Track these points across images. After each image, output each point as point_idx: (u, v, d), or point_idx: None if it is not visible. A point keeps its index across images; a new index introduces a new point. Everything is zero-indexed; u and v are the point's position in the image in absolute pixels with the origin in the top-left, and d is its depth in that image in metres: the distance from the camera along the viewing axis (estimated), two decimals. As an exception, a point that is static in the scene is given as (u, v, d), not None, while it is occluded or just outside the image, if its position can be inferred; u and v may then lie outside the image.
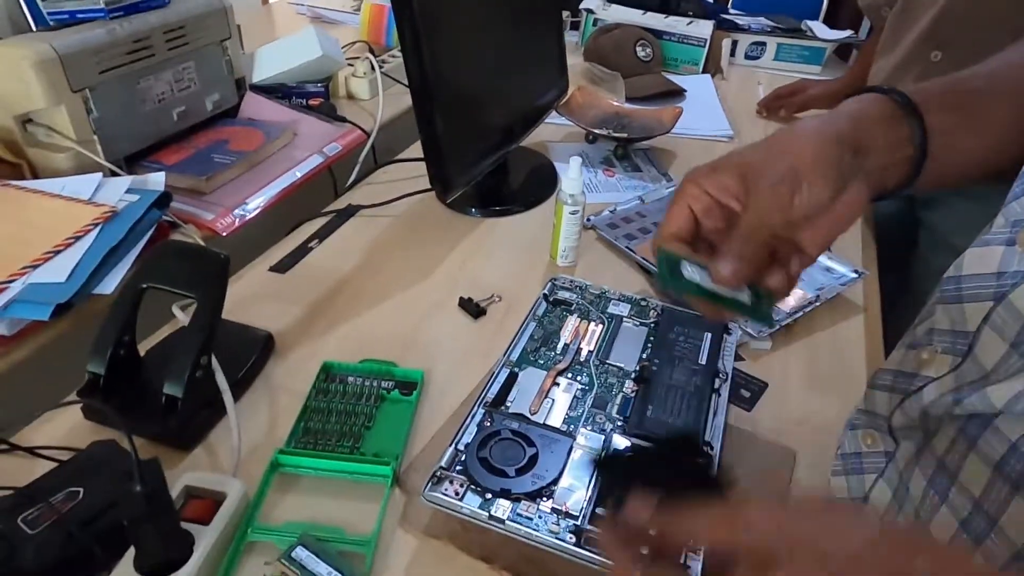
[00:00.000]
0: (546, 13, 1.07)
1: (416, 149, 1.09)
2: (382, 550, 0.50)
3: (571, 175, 0.78)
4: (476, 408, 0.55)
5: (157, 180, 0.85)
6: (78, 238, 0.73)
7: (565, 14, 1.64)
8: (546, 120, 1.09)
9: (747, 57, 1.60)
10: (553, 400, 0.57)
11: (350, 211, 0.94)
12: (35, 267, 0.70)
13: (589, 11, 1.62)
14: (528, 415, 0.55)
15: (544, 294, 0.69)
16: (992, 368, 0.33)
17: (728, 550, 0.32)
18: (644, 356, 0.62)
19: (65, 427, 0.59)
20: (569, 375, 0.59)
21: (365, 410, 0.61)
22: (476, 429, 0.53)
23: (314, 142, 1.07)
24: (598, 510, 0.47)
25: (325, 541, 0.49)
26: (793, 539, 0.29)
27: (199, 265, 0.60)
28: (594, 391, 0.58)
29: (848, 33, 1.60)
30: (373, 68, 1.27)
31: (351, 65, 1.30)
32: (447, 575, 0.49)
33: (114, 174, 0.87)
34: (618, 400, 0.57)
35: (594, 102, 1.20)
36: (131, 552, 0.45)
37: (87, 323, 0.69)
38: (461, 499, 0.47)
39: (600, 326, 0.65)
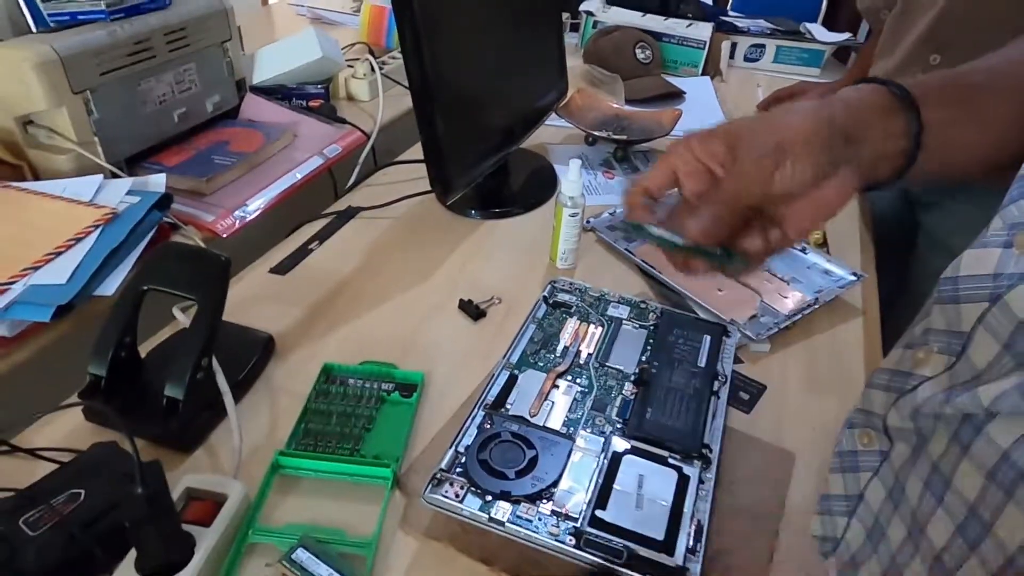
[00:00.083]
0: (546, 15, 1.08)
1: (416, 151, 1.09)
2: (382, 552, 0.50)
3: (571, 177, 0.78)
4: (476, 410, 0.55)
5: (158, 182, 0.85)
6: (79, 240, 0.73)
7: (565, 16, 1.65)
8: (546, 122, 1.10)
9: (746, 59, 1.61)
10: (553, 402, 0.57)
11: (350, 213, 0.94)
12: (36, 269, 0.70)
13: (589, 13, 1.62)
14: (528, 417, 0.55)
15: (544, 296, 0.69)
16: (984, 368, 0.33)
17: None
18: (643, 359, 0.62)
19: (66, 429, 0.59)
20: (569, 377, 0.60)
21: (365, 412, 0.61)
22: (476, 431, 0.53)
23: (314, 143, 1.07)
24: (597, 512, 0.47)
25: (326, 543, 0.49)
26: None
27: (200, 267, 0.60)
28: (593, 393, 0.58)
29: (847, 36, 1.60)
30: (373, 69, 1.27)
31: (351, 66, 1.30)
32: (447, 577, 0.49)
33: (115, 176, 0.87)
34: (617, 402, 0.57)
35: (594, 104, 1.20)
36: (132, 554, 0.45)
37: (88, 325, 0.69)
38: (461, 501, 0.48)
39: (600, 328, 0.65)
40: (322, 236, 0.89)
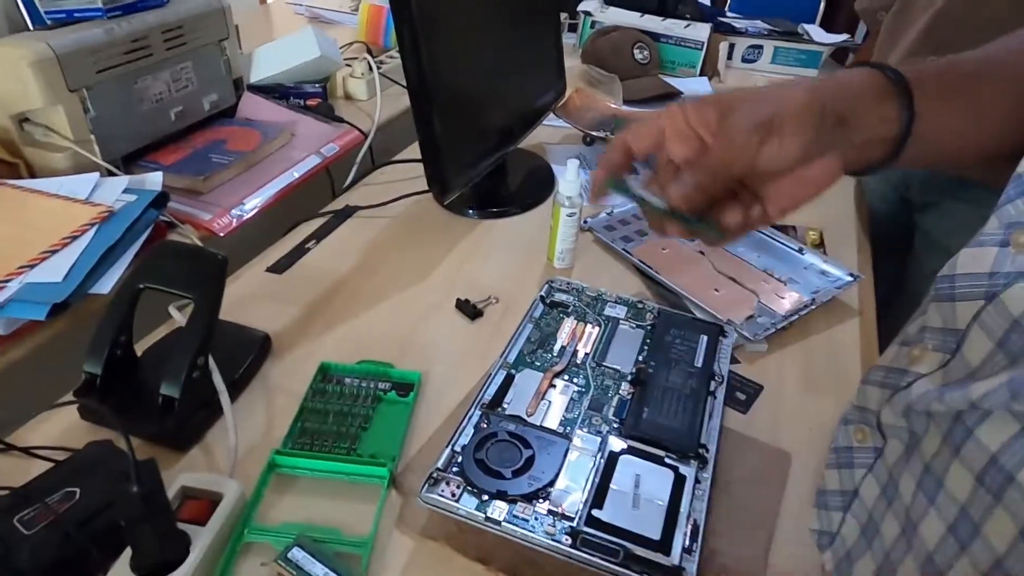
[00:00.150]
0: (544, 15, 1.07)
1: (414, 150, 1.09)
2: (378, 551, 0.50)
3: (568, 177, 0.78)
4: (473, 410, 0.55)
5: (154, 180, 0.85)
6: (75, 238, 0.73)
7: (563, 16, 1.65)
8: (544, 122, 1.10)
9: (744, 60, 1.61)
10: (550, 402, 0.57)
11: (347, 212, 0.94)
12: (32, 267, 0.70)
13: (587, 13, 1.62)
14: (525, 417, 0.55)
15: (541, 296, 0.69)
16: (978, 366, 0.33)
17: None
18: (640, 358, 0.62)
19: (61, 427, 0.59)
20: (566, 377, 0.60)
21: (362, 411, 0.61)
22: (473, 431, 0.53)
23: (312, 142, 1.07)
24: (593, 512, 0.47)
25: (322, 542, 0.49)
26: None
27: (196, 265, 0.60)
28: (590, 393, 0.58)
29: (844, 37, 1.61)
30: (371, 69, 1.27)
31: (349, 66, 1.30)
32: (443, 576, 0.49)
33: (111, 174, 0.87)
34: (614, 402, 0.57)
35: (592, 104, 1.20)
36: (127, 553, 0.45)
37: (84, 323, 0.69)
38: (458, 500, 0.47)
39: (597, 328, 0.65)
40: (319, 235, 0.89)
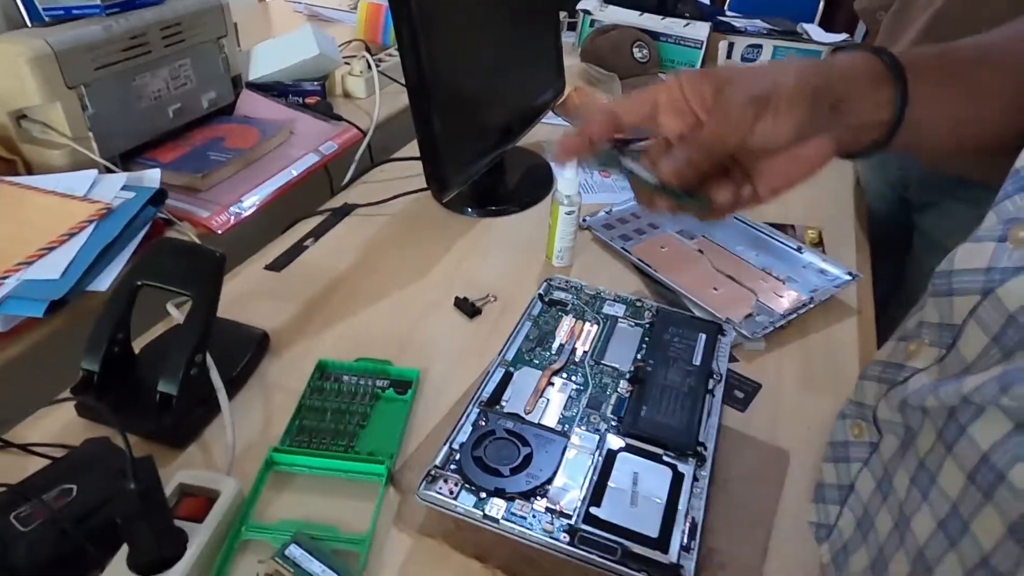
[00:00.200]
0: (543, 13, 1.07)
1: (412, 148, 1.09)
2: (376, 549, 0.50)
3: (567, 175, 0.78)
4: (471, 407, 0.55)
5: (152, 177, 0.85)
6: (73, 235, 0.73)
7: (562, 15, 1.65)
8: (543, 120, 1.10)
9: (743, 59, 1.61)
10: (548, 400, 0.57)
11: (346, 210, 0.94)
12: (29, 264, 0.70)
13: (586, 12, 1.62)
14: (523, 415, 0.55)
15: (539, 294, 0.69)
16: (972, 361, 0.33)
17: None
18: (639, 357, 0.62)
19: (59, 424, 0.59)
20: (564, 375, 0.60)
21: (360, 409, 0.61)
22: (471, 428, 0.53)
23: (310, 140, 1.07)
24: (591, 509, 0.47)
25: (319, 539, 0.49)
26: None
27: (194, 263, 0.60)
28: (589, 391, 0.58)
29: (843, 36, 1.60)
30: (370, 67, 1.27)
31: (348, 64, 1.30)
32: (441, 574, 0.49)
33: (109, 171, 0.87)
34: (612, 400, 0.57)
35: (591, 103, 1.20)
36: (124, 550, 0.45)
37: (81, 320, 0.69)
38: (455, 498, 0.47)
39: (595, 326, 0.65)
40: (318, 233, 0.89)
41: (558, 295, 0.69)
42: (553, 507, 0.47)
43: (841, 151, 0.42)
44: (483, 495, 0.48)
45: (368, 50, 1.36)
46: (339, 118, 1.15)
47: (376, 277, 0.81)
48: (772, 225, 0.89)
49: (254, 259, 0.83)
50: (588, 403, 0.57)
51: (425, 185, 0.86)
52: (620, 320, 0.66)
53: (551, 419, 0.55)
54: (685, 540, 0.46)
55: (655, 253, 0.83)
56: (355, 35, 1.52)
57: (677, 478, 0.50)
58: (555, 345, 0.63)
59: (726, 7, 2.36)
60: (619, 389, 0.58)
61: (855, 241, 0.91)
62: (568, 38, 1.62)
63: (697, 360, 0.61)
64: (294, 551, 0.47)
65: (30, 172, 0.86)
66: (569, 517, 0.47)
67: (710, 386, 0.59)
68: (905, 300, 0.91)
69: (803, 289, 0.77)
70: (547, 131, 1.18)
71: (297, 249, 0.85)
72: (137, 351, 0.63)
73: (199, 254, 0.61)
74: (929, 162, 0.89)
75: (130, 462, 0.42)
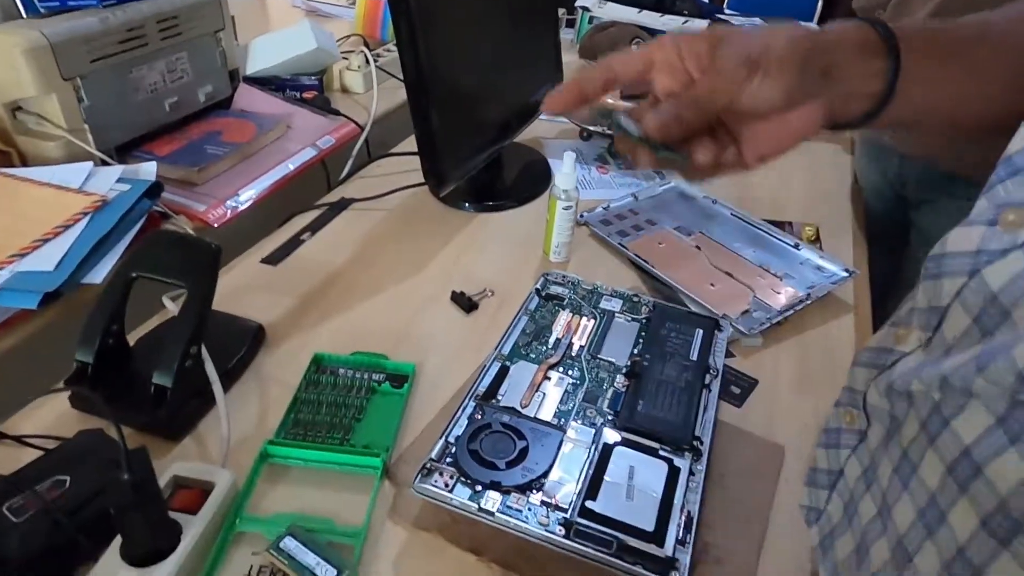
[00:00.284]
0: (542, 10, 1.07)
1: (410, 143, 1.09)
2: (371, 541, 0.50)
3: (565, 170, 0.78)
4: (467, 401, 0.55)
5: (148, 170, 0.85)
6: (67, 227, 0.73)
7: (561, 12, 1.64)
8: (540, 116, 1.09)
9: (742, 57, 1.61)
10: (544, 394, 0.57)
11: (343, 204, 0.93)
12: (23, 255, 0.69)
13: (585, 9, 1.62)
14: (519, 408, 0.55)
15: (536, 289, 0.69)
16: (953, 343, 0.33)
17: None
18: (635, 351, 0.62)
19: (52, 416, 0.59)
20: (560, 369, 0.60)
21: (356, 402, 0.60)
22: (467, 422, 0.53)
23: (307, 135, 1.07)
24: (587, 503, 0.47)
25: (314, 532, 0.48)
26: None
27: (190, 254, 0.60)
28: (585, 385, 0.58)
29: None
30: (368, 62, 1.26)
31: (346, 59, 1.29)
32: (436, 567, 0.49)
33: (105, 163, 0.87)
34: (609, 394, 0.57)
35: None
36: (118, 540, 0.45)
37: (76, 313, 0.68)
38: (451, 491, 0.47)
39: (592, 321, 0.65)
40: (314, 227, 0.88)
41: (555, 290, 0.69)
42: (549, 500, 0.47)
43: (831, 121, 0.42)
44: (479, 488, 0.48)
45: (366, 45, 1.36)
46: (337, 113, 1.15)
47: (373, 271, 0.80)
48: (769, 222, 0.89)
49: (250, 253, 0.83)
50: (584, 397, 0.57)
51: (422, 180, 0.86)
52: (617, 315, 0.66)
53: (547, 413, 0.55)
54: (680, 534, 0.46)
55: (652, 249, 0.83)
56: (353, 30, 1.52)
57: (673, 472, 0.50)
58: (552, 340, 0.63)
59: (724, 5, 2.36)
60: (615, 384, 0.58)
61: (852, 238, 0.91)
62: (567, 35, 1.62)
63: (694, 355, 0.61)
64: (289, 543, 0.47)
65: (25, 164, 0.86)
66: (565, 510, 0.47)
67: (706, 381, 0.59)
68: (902, 296, 0.91)
69: (800, 285, 0.77)
70: (545, 127, 1.18)
71: (294, 243, 0.85)
72: (132, 344, 0.63)
73: (195, 246, 0.61)
74: (923, 148, 0.89)
75: (123, 452, 0.42)
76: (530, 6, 1.02)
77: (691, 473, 0.50)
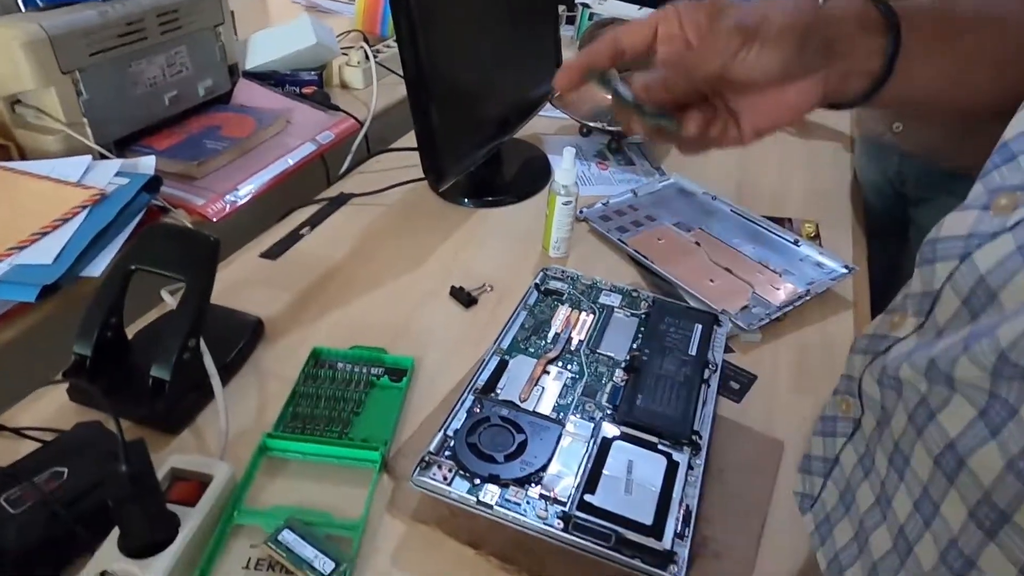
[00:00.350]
0: (542, 7, 1.07)
1: (409, 139, 1.09)
2: (369, 534, 0.50)
3: (565, 165, 0.77)
4: (466, 394, 0.55)
5: (147, 164, 0.85)
6: (66, 220, 0.73)
7: (561, 8, 1.64)
8: (540, 112, 1.09)
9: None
10: (543, 388, 0.57)
11: (342, 199, 0.93)
12: (22, 248, 0.69)
13: (585, 5, 1.62)
14: (518, 402, 0.55)
15: (536, 284, 0.69)
16: (944, 326, 0.33)
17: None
18: (634, 346, 0.62)
19: (51, 408, 0.59)
20: (559, 364, 0.59)
21: (354, 396, 0.60)
22: (465, 415, 0.53)
23: (307, 130, 1.07)
24: (586, 496, 0.47)
25: (312, 525, 0.48)
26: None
27: (188, 247, 0.60)
28: (584, 380, 0.58)
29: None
30: (367, 57, 1.26)
31: (345, 54, 1.29)
32: (435, 560, 0.49)
33: (104, 157, 0.86)
34: (608, 389, 0.57)
35: (588, 95, 1.20)
36: (115, 532, 0.45)
37: (74, 306, 0.68)
38: (449, 484, 0.47)
39: (591, 316, 0.65)
40: (314, 222, 0.88)
41: (554, 284, 0.69)
42: (547, 494, 0.47)
43: (828, 99, 0.42)
44: (477, 481, 0.48)
45: (366, 41, 1.36)
46: (336, 108, 1.15)
47: (372, 266, 0.80)
48: (769, 218, 0.89)
49: (249, 247, 0.83)
50: (583, 391, 0.57)
51: (422, 175, 0.85)
52: (616, 310, 0.66)
53: (546, 407, 0.55)
54: (679, 528, 0.46)
55: (652, 245, 0.83)
56: (353, 26, 1.52)
57: (672, 466, 0.50)
58: (551, 334, 0.63)
59: None
60: (615, 378, 0.58)
61: (852, 235, 0.91)
62: (567, 31, 1.61)
63: (693, 350, 0.61)
64: (287, 536, 0.47)
65: (24, 157, 0.85)
66: (563, 504, 0.47)
67: (705, 376, 0.59)
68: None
69: (799, 282, 0.77)
70: (545, 123, 1.18)
71: (293, 237, 0.85)
72: (131, 337, 0.63)
73: (193, 239, 0.61)
74: (922, 144, 0.88)
75: (121, 444, 0.42)
76: (530, 3, 1.02)
77: (690, 467, 0.50)
